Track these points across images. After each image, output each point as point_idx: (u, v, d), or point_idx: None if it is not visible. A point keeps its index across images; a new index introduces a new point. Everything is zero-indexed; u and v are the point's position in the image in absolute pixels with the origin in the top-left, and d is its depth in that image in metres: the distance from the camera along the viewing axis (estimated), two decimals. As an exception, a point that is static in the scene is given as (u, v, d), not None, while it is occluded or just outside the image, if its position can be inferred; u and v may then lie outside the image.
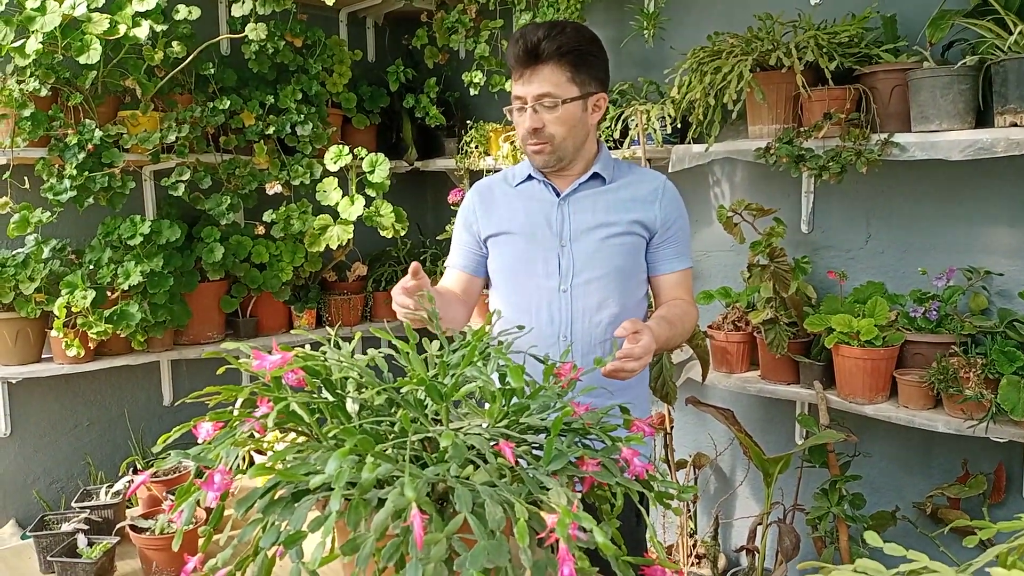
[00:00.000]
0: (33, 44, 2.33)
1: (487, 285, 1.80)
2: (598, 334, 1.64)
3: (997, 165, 2.00)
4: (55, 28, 2.32)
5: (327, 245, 2.90)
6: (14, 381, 2.54)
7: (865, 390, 2.07)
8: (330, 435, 0.92)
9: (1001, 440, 1.89)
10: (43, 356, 2.60)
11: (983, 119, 1.96)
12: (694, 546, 2.60)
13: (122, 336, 2.54)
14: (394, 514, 0.78)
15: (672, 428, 2.53)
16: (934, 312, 2.04)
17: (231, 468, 0.92)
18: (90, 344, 2.51)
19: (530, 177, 1.70)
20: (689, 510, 2.59)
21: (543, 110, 1.57)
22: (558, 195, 1.67)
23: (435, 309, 1.14)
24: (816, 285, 2.33)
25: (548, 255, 1.65)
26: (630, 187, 1.67)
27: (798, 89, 2.09)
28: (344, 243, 2.92)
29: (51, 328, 2.47)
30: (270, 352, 0.97)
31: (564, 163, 1.64)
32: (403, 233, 3.03)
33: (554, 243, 1.65)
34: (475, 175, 3.04)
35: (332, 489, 0.77)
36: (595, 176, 1.67)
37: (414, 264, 1.40)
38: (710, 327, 2.42)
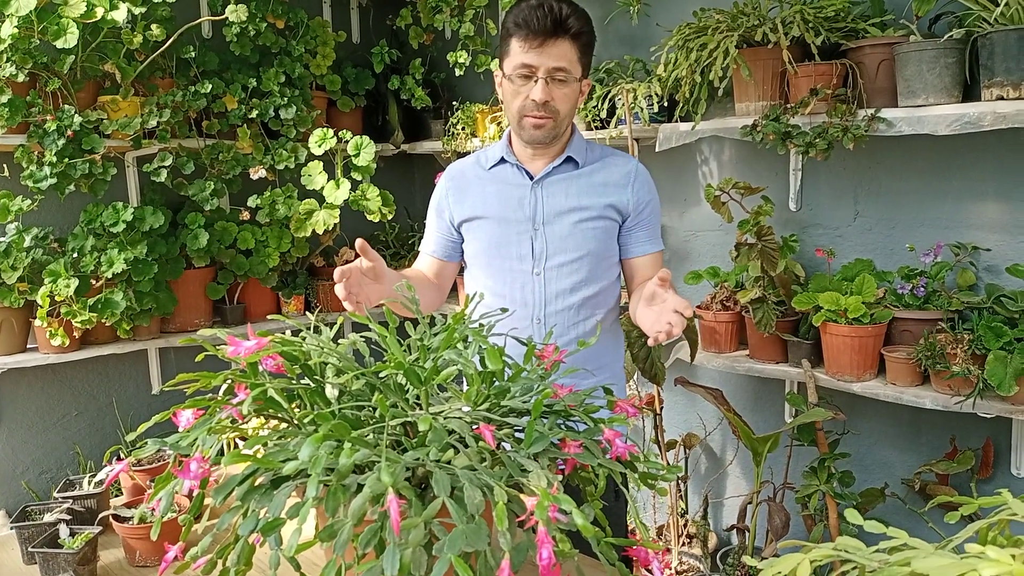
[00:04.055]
0: (8, 28, 2.28)
1: (463, 269, 1.80)
2: (570, 316, 1.65)
3: (984, 139, 1.99)
4: (31, 12, 2.28)
5: (313, 230, 2.88)
6: (-1, 371, 2.52)
7: (853, 368, 2.07)
8: (307, 421, 0.91)
9: (988, 416, 1.89)
10: (28, 346, 2.58)
11: (970, 93, 1.94)
12: (685, 526, 2.61)
13: (107, 324, 2.52)
14: (372, 499, 0.77)
15: (662, 409, 2.53)
16: (922, 288, 2.04)
17: (208, 456, 0.91)
18: (75, 333, 2.49)
19: (503, 160, 1.70)
20: (679, 490, 2.60)
21: (555, 84, 1.56)
22: (531, 179, 1.67)
23: (415, 295, 1.13)
24: (804, 263, 2.32)
25: (521, 238, 1.65)
26: (603, 171, 1.68)
27: (784, 65, 2.07)
28: (330, 228, 2.90)
29: (35, 318, 2.44)
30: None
31: (553, 141, 1.64)
32: (390, 217, 3.00)
33: (527, 226, 1.65)
34: (462, 157, 3.01)
35: (310, 475, 0.76)
36: (568, 160, 1.67)
37: (359, 241, 1.38)
38: (698, 307, 2.42)
